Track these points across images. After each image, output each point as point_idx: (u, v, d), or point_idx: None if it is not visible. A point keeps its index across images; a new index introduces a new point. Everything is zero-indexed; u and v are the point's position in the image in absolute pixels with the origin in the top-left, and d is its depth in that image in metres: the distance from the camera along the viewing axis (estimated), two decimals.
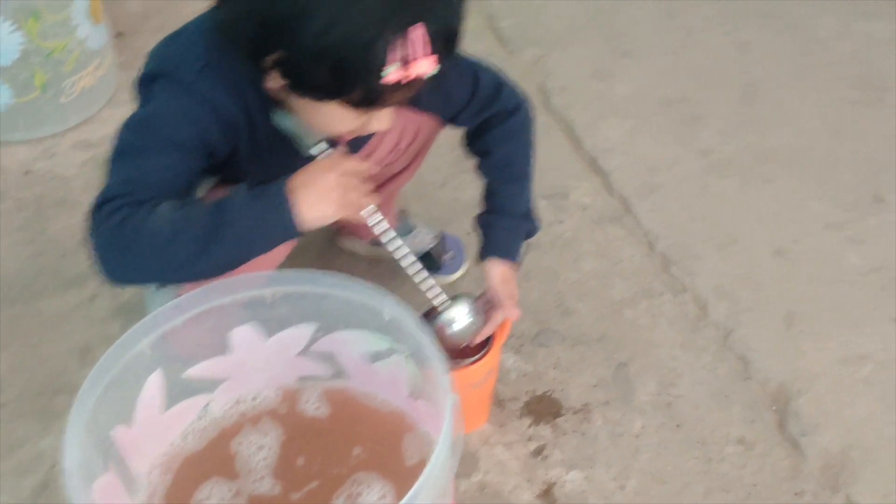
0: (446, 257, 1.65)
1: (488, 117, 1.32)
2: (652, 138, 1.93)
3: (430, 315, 1.26)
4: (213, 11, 1.05)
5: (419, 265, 1.18)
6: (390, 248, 1.16)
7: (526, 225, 1.36)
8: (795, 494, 1.30)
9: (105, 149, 1.95)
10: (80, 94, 2.01)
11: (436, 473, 0.89)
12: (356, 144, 1.34)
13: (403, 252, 1.16)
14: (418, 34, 0.94)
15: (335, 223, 1.63)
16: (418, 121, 1.38)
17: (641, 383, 1.46)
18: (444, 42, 0.99)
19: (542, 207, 1.76)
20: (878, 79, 2.11)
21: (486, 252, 1.34)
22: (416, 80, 0.98)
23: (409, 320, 1.06)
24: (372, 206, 1.10)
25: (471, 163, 1.40)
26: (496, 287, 1.31)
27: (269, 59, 0.99)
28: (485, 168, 1.36)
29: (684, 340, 1.52)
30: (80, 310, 1.62)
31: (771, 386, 1.44)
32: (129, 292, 1.63)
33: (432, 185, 1.82)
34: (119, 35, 2.31)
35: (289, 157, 1.20)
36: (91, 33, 1.97)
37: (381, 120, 1.09)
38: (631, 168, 1.85)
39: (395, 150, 1.42)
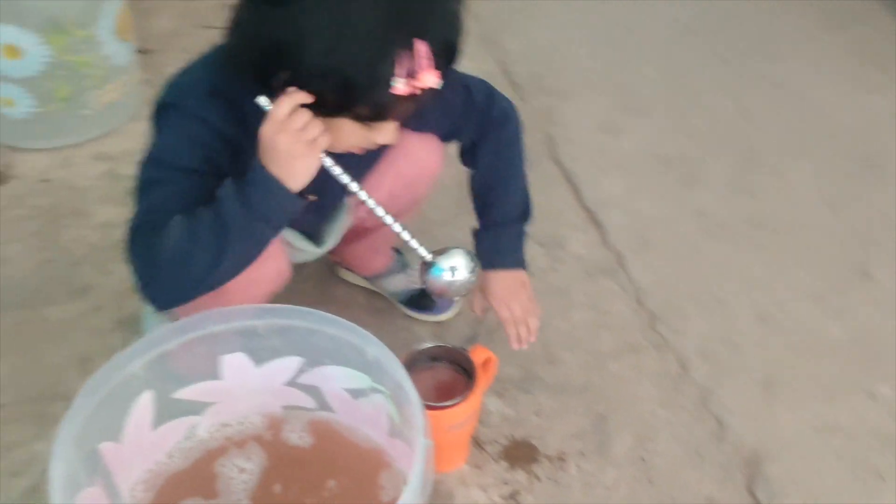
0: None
1: (483, 127, 1.38)
2: (650, 196, 1.98)
3: (425, 267, 1.28)
4: (222, 41, 1.11)
5: (391, 217, 1.22)
6: (360, 197, 1.19)
7: (518, 227, 1.44)
8: None
9: (123, 162, 2.03)
10: (102, 108, 2.07)
11: None
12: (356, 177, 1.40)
13: (372, 203, 1.20)
14: (422, 49, 1.01)
15: (334, 256, 1.70)
16: (416, 169, 1.44)
17: (619, 436, 1.50)
18: (445, 56, 1.05)
19: (539, 254, 1.81)
20: (875, 154, 2.16)
21: (486, 264, 1.41)
22: (422, 94, 1.04)
23: (391, 362, 1.11)
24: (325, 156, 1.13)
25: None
26: (488, 297, 1.42)
27: (278, 79, 1.05)
28: (479, 178, 1.43)
29: (664, 397, 1.56)
30: (84, 319, 1.67)
31: (744, 449, 1.48)
32: (133, 305, 1.68)
33: (434, 222, 1.87)
34: (145, 52, 2.37)
35: None
36: (117, 50, 2.04)
37: (386, 133, 1.14)
38: (628, 223, 1.90)
39: (390, 196, 1.47)
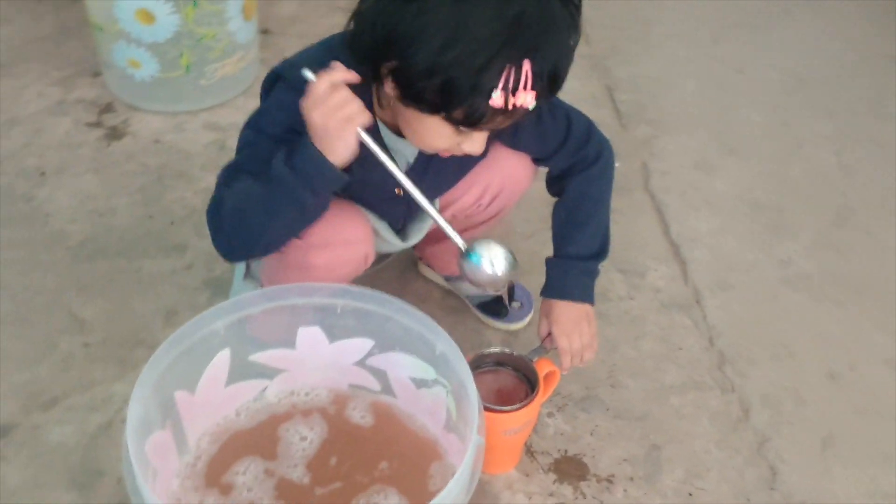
0: (514, 305, 1.74)
1: (576, 161, 1.42)
2: (737, 238, 1.98)
3: (462, 256, 1.25)
4: (344, 28, 1.17)
5: (425, 199, 1.20)
6: (398, 179, 1.17)
7: (593, 264, 1.47)
8: None
9: (231, 134, 2.12)
10: (219, 80, 2.17)
11: (448, 500, 0.98)
12: (441, 185, 1.45)
13: (410, 186, 1.18)
14: (526, 69, 1.04)
15: (417, 251, 1.75)
16: (506, 182, 1.48)
17: (669, 468, 1.51)
18: (548, 81, 1.09)
19: (617, 280, 1.84)
20: None
21: (554, 293, 1.46)
22: (515, 111, 1.08)
23: (458, 359, 1.15)
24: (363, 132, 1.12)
25: None
26: (551, 324, 1.45)
27: (386, 67, 1.10)
28: (562, 209, 1.47)
29: (721, 438, 1.57)
30: (175, 275, 1.76)
31: (793, 499, 1.48)
32: (222, 268, 1.76)
33: (519, 234, 1.91)
34: (265, 32, 2.46)
35: (368, 167, 1.31)
36: (240, 27, 2.13)
37: (474, 143, 1.18)
38: (710, 262, 1.91)
39: (476, 204, 1.51)
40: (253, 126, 1.25)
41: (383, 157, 1.15)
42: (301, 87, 1.20)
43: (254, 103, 1.33)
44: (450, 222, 1.55)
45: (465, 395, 1.13)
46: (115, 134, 2.11)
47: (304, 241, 1.26)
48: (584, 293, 1.47)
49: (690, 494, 1.48)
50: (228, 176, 1.22)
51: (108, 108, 2.18)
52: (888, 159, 2.24)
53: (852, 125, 2.33)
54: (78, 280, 1.75)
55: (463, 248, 1.26)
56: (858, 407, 1.65)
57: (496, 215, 1.58)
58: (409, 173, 1.32)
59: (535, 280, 1.75)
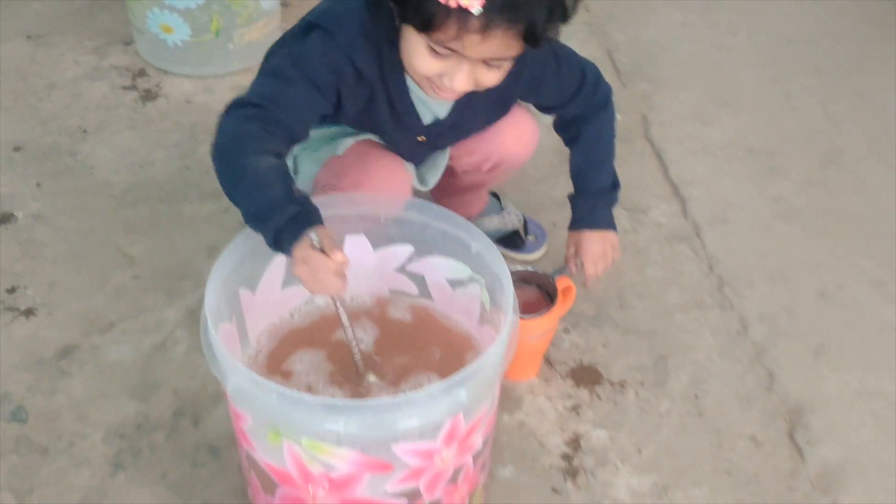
0: (529, 238, 1.88)
1: (588, 108, 1.57)
2: (732, 179, 2.12)
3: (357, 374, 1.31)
4: None
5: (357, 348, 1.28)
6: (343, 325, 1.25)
7: (612, 195, 1.64)
8: (789, 490, 1.48)
9: None
10: (245, 45, 2.30)
11: (488, 366, 1.12)
12: (460, 138, 1.59)
13: (350, 335, 1.27)
14: None
15: (435, 198, 1.91)
16: (503, 157, 1.64)
17: (676, 375, 1.66)
18: (526, 31, 1.16)
19: (622, 216, 1.98)
20: None
21: (583, 224, 1.64)
22: (467, 23, 1.12)
23: (493, 254, 1.28)
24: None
25: (566, 167, 1.65)
26: (581, 254, 1.64)
27: None
28: (581, 152, 1.62)
29: (722, 349, 1.71)
30: (214, 217, 1.90)
31: (790, 400, 1.63)
32: None
33: (531, 178, 2.05)
34: (285, 5, 2.60)
35: (398, 121, 1.45)
36: None
37: (454, 78, 1.24)
38: (707, 200, 2.05)
39: (476, 169, 1.68)
40: (294, 62, 1.30)
41: (343, 318, 1.23)
42: (348, 50, 1.29)
43: None
44: (455, 171, 1.70)
45: (499, 285, 1.26)
46: (148, 96, 2.25)
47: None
48: (609, 222, 1.65)
49: (696, 396, 1.63)
50: (254, 105, 1.24)
51: (140, 73, 2.32)
52: (870, 107, 2.39)
53: (837, 80, 2.48)
54: (124, 222, 1.89)
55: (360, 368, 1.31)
56: (847, 321, 1.80)
57: (494, 176, 1.73)
58: (433, 126, 1.48)
59: (547, 217, 1.92)
